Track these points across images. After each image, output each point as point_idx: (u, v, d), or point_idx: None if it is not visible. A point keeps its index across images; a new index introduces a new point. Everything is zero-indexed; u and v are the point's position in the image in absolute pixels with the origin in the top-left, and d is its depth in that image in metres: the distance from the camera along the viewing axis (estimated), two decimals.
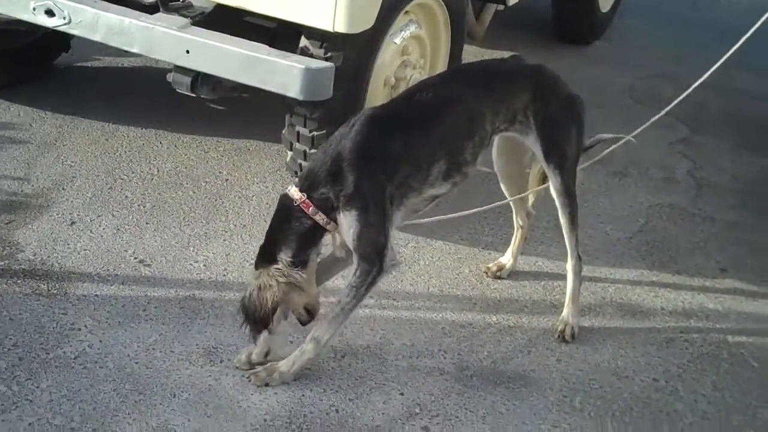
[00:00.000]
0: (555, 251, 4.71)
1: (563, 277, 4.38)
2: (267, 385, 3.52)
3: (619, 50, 7.95)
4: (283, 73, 3.96)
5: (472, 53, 6.51)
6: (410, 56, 4.69)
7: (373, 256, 3.46)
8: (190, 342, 3.73)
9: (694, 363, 4.03)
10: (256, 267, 3.47)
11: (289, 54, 4.08)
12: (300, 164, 4.45)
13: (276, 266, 3.39)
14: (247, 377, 3.55)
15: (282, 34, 4.47)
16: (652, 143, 6.16)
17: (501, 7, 6.03)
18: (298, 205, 3.40)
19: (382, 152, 3.45)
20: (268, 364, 3.58)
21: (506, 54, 7.28)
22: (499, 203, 4.36)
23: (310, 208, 3.38)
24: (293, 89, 3.96)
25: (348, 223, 3.41)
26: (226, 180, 4.97)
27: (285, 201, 3.46)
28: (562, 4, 7.43)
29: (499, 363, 3.85)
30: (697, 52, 7.56)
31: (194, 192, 4.81)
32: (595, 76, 7.16)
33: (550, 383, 3.77)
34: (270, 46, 4.23)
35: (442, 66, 4.98)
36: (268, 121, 5.34)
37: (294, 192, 3.42)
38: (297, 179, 3.52)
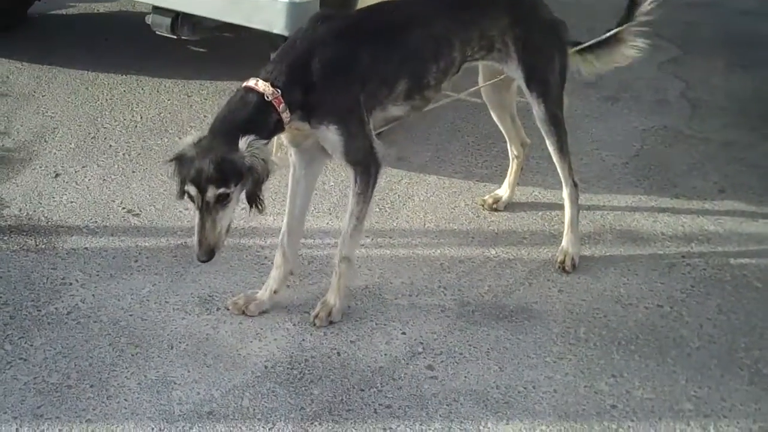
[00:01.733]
0: (551, 180, 4.62)
1: (561, 207, 4.31)
2: (332, 323, 3.51)
3: None
4: (266, 10, 3.85)
5: None
6: None
7: (367, 159, 3.42)
8: (184, 291, 3.65)
9: (698, 287, 3.96)
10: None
11: None
12: None
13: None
14: (312, 322, 3.51)
15: None
16: (643, 65, 6.01)
17: None
18: (269, 101, 3.24)
19: (353, 63, 3.35)
20: (320, 304, 3.54)
21: None
22: (467, 92, 4.26)
23: (281, 105, 3.25)
24: (278, 25, 3.85)
25: (331, 137, 3.34)
26: None
27: (248, 94, 3.27)
28: None
29: (500, 297, 3.78)
30: None
31: (180, 137, 4.68)
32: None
33: (554, 315, 3.71)
34: None
35: None
36: (251, 60, 5.19)
37: (263, 86, 3.25)
38: (262, 72, 3.35)
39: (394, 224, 4.19)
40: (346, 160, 3.37)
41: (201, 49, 5.49)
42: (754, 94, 5.83)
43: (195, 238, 3.16)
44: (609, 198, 4.56)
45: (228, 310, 3.55)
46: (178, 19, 4.12)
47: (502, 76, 3.94)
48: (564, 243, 4.02)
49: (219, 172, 3.10)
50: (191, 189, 3.13)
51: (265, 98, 3.22)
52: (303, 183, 3.60)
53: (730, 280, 4.03)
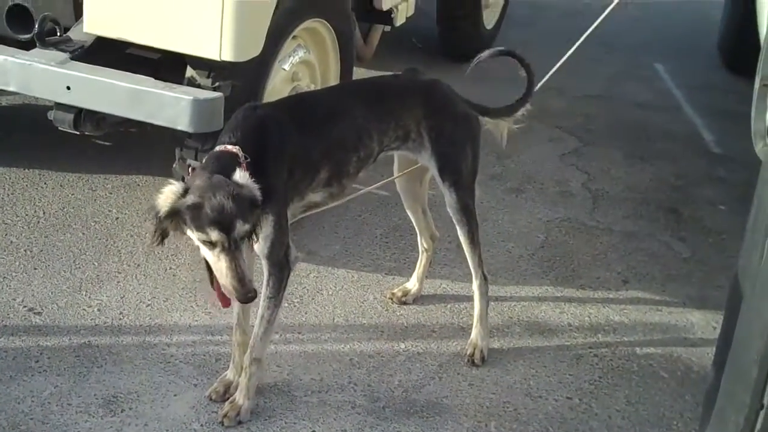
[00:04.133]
0: (459, 273, 4.65)
1: (469, 299, 4.35)
2: (240, 422, 3.45)
3: (503, 66, 7.94)
4: (170, 106, 3.81)
5: (362, 75, 6.44)
6: (300, 82, 4.59)
7: (283, 261, 3.40)
8: (87, 393, 3.55)
9: (606, 378, 4.00)
10: None
11: (175, 86, 3.94)
12: None
13: None
14: (219, 422, 3.44)
15: (166, 65, 4.32)
16: (544, 157, 6.20)
17: (388, 28, 6.00)
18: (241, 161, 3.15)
19: (283, 152, 3.33)
20: (228, 403, 3.48)
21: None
22: (381, 183, 4.30)
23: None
24: (182, 122, 3.82)
25: (266, 229, 3.27)
26: (117, 218, 4.79)
27: (223, 153, 3.19)
28: (447, 22, 7.41)
29: (410, 392, 3.76)
30: (585, 64, 7.63)
31: (84, 233, 4.62)
32: (485, 94, 7.13)
33: (464, 409, 3.70)
34: (155, 78, 4.09)
35: None
36: (157, 155, 5.18)
37: (235, 149, 3.17)
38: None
39: (303, 319, 4.16)
40: (267, 257, 3.34)
41: (105, 143, 5.43)
42: (652, 184, 5.97)
43: (230, 281, 2.99)
44: (516, 289, 4.59)
45: (211, 399, 3.55)
46: (81, 114, 4.06)
47: (417, 165, 3.98)
48: (473, 336, 4.04)
49: (239, 203, 2.99)
50: (213, 234, 2.97)
51: (239, 158, 3.15)
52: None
53: (637, 371, 4.07)
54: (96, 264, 4.38)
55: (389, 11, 5.46)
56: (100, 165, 5.26)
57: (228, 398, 3.54)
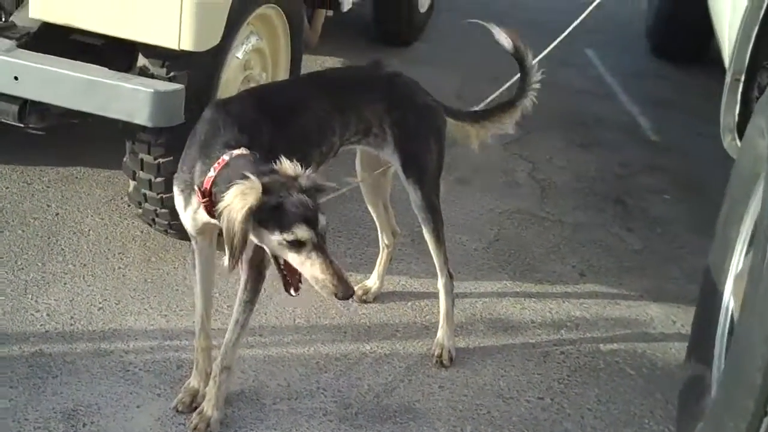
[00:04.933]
0: (416, 268, 4.55)
1: (430, 296, 4.27)
2: None
3: (439, 51, 7.88)
4: (128, 98, 3.59)
5: (306, 61, 6.26)
6: (253, 70, 4.40)
7: (261, 265, 3.22)
8: (45, 406, 3.33)
9: (574, 377, 3.94)
10: None
11: (132, 76, 3.73)
12: (145, 195, 4.09)
13: None
14: None
15: (111, 53, 4.09)
16: (488, 146, 6.07)
17: (330, 12, 5.83)
18: None
19: (262, 150, 3.09)
20: (196, 415, 3.30)
21: (336, 60, 7.14)
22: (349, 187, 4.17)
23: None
24: (141, 116, 3.60)
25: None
26: (57, 214, 4.54)
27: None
28: (381, 5, 7.26)
29: (382, 396, 3.64)
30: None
31: (23, 231, 4.36)
32: (421, 79, 7.02)
33: (437, 413, 3.59)
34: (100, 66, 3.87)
35: (283, 77, 4.71)
36: (93, 144, 4.95)
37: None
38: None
39: (263, 321, 3.99)
40: (248, 260, 3.17)
41: (37, 132, 5.13)
42: (596, 174, 5.95)
43: (331, 279, 2.85)
44: (475, 285, 4.50)
45: (177, 411, 3.38)
46: (26, 106, 3.80)
47: (389, 166, 3.84)
48: (439, 336, 3.93)
49: (313, 196, 2.87)
50: (303, 233, 2.80)
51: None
52: (209, 263, 3.39)
53: (604, 368, 4.02)
54: (40, 264, 4.14)
55: None
56: (32, 156, 4.99)
57: (195, 408, 3.36)
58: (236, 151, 2.99)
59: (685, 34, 8.09)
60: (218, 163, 2.97)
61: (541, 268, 4.75)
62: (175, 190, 3.20)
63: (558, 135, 6.47)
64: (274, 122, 3.20)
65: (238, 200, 2.78)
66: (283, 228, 2.80)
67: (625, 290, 4.64)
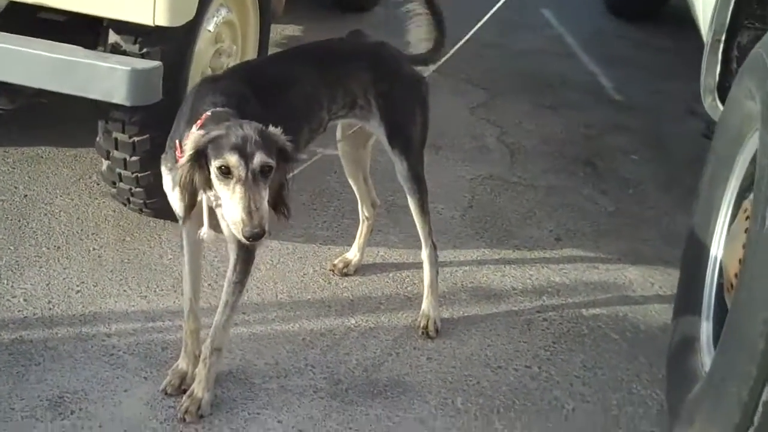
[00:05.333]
0: (394, 239, 4.52)
1: (410, 266, 4.26)
2: (202, 416, 3.22)
3: (396, 15, 7.74)
4: (105, 78, 3.49)
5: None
6: (223, 43, 4.31)
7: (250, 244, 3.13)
8: (30, 394, 3.25)
9: (559, 343, 3.94)
10: None
11: (107, 55, 3.62)
12: (120, 174, 4.00)
13: None
14: (180, 418, 3.20)
15: (73, 29, 3.98)
16: (455, 111, 6.09)
17: None
18: None
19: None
20: (186, 397, 3.24)
21: (297, 28, 7.05)
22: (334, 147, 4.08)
23: None
24: (119, 95, 3.50)
25: None
26: (25, 196, 4.44)
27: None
28: None
29: (370, 371, 3.61)
30: (472, 10, 7.51)
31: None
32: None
33: (427, 386, 3.57)
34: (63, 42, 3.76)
35: (252, 50, 4.64)
36: (56, 122, 4.83)
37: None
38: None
39: (246, 298, 3.90)
40: (237, 240, 3.10)
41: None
42: (565, 136, 5.94)
43: (239, 213, 2.73)
44: (454, 254, 4.48)
45: (166, 393, 3.33)
46: None
47: (357, 127, 3.78)
48: (424, 306, 3.90)
49: (264, 139, 2.77)
50: (232, 158, 2.72)
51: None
52: (198, 245, 3.30)
53: (587, 334, 4.03)
54: (12, 248, 4.04)
55: None
56: None
57: (185, 391, 3.31)
58: (219, 109, 2.94)
59: None
60: (200, 120, 2.92)
61: (518, 233, 4.74)
62: (163, 169, 3.12)
63: (523, 98, 6.45)
64: (262, 98, 3.13)
65: (189, 146, 2.79)
66: (217, 155, 2.76)
67: (602, 254, 4.65)
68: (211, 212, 3.06)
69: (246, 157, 2.74)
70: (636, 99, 6.67)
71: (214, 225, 3.03)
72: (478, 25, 4.65)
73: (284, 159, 2.90)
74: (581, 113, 6.29)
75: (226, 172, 2.75)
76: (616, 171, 5.56)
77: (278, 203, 2.95)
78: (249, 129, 2.78)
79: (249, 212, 2.72)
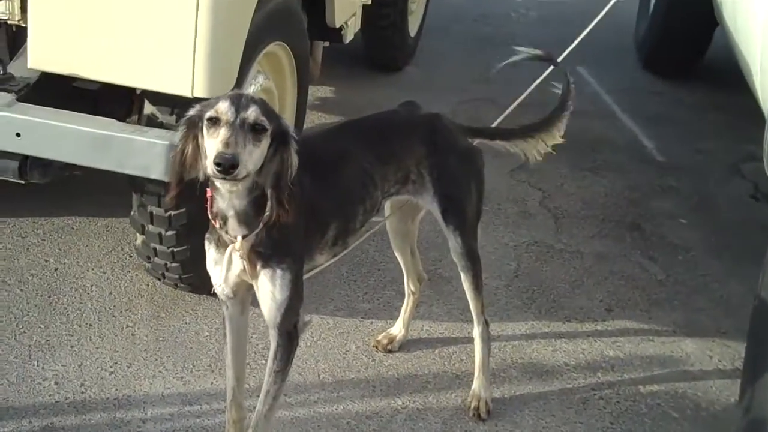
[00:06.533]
0: (438, 311, 4.33)
1: (457, 342, 4.08)
2: None
3: (429, 75, 7.66)
4: (142, 153, 3.33)
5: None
6: None
7: (292, 330, 2.99)
8: None
9: (618, 424, 3.73)
10: None
11: (144, 128, 3.46)
12: (155, 249, 3.84)
13: None
14: None
15: (106, 97, 3.84)
16: (494, 174, 5.87)
17: (327, 43, 5.62)
18: None
19: (301, 204, 2.87)
20: None
21: (331, 90, 6.92)
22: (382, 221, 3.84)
23: None
24: (157, 170, 3.33)
25: (275, 285, 2.87)
26: (56, 269, 4.28)
27: None
28: (373, 31, 7.02)
29: None
30: (504, 70, 7.36)
31: (22, 290, 4.10)
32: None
33: None
34: (95, 112, 3.62)
35: (290, 116, 4.50)
36: (86, 192, 4.68)
37: None
38: None
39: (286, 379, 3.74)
40: (279, 326, 2.93)
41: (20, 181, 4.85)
42: (607, 199, 5.75)
43: (216, 145, 2.54)
44: (502, 327, 4.28)
45: None
46: (27, 162, 3.53)
47: (406, 201, 3.61)
48: (475, 386, 3.70)
49: (263, 105, 2.65)
50: (222, 105, 2.59)
51: None
52: (241, 331, 3.16)
53: (646, 413, 3.82)
54: (42, 326, 3.88)
55: (340, 28, 5.06)
56: (20, 205, 4.71)
57: None
58: None
59: (676, 48, 7.95)
60: None
61: (567, 304, 4.54)
62: (207, 244, 2.95)
63: (563, 159, 6.24)
64: (316, 177, 2.95)
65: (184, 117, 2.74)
66: (210, 106, 2.62)
67: (655, 325, 4.44)
68: (249, 290, 2.93)
69: (238, 105, 2.59)
70: (679, 159, 6.47)
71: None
72: (530, 89, 4.47)
73: (284, 142, 2.71)
74: (623, 175, 6.10)
75: (214, 121, 2.59)
76: (664, 236, 5.36)
77: (277, 191, 2.71)
78: (248, 94, 2.66)
79: (226, 143, 2.54)
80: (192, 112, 2.70)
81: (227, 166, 2.51)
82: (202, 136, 2.66)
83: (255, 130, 2.60)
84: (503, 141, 3.74)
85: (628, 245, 5.19)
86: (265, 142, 2.65)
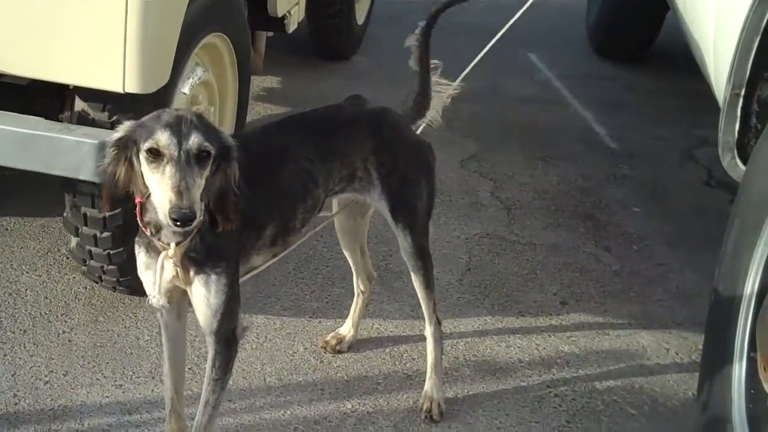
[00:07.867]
0: (389, 308, 4.21)
1: (408, 340, 3.96)
2: None
3: (379, 64, 7.51)
4: (70, 153, 3.15)
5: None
6: (200, 105, 4.00)
7: (230, 336, 2.85)
8: None
9: (574, 422, 3.62)
10: None
11: (73, 126, 3.29)
12: (90, 252, 3.67)
13: None
14: None
15: (37, 93, 3.66)
16: (445, 164, 5.76)
17: (271, 33, 5.46)
18: None
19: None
20: None
21: (275, 80, 6.76)
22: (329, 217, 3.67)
23: None
24: (87, 171, 3.16)
25: (210, 290, 2.73)
26: None
27: None
28: (319, 19, 6.87)
29: None
30: (454, 58, 7.24)
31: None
32: (366, 95, 6.67)
33: None
34: (29, 108, 3.45)
35: (231, 109, 4.34)
36: (18, 188, 4.50)
37: None
38: None
39: (231, 383, 3.53)
40: (216, 332, 2.78)
41: None
42: (560, 188, 5.65)
43: (167, 192, 2.40)
44: (454, 323, 4.16)
45: None
46: None
47: (352, 201, 3.47)
48: (427, 387, 3.58)
49: (203, 124, 2.49)
50: (162, 136, 2.42)
51: None
52: (178, 338, 3.02)
53: (603, 410, 3.72)
54: None
55: (282, 17, 4.90)
56: None
57: None
58: None
59: (628, 33, 7.90)
60: None
61: (521, 298, 4.43)
62: (137, 249, 2.79)
63: (515, 148, 6.16)
64: (249, 179, 2.79)
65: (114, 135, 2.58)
66: (149, 135, 2.45)
67: (611, 318, 4.35)
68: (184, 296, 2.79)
69: (179, 135, 2.43)
70: (632, 146, 6.39)
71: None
72: (464, 73, 4.33)
73: (226, 158, 2.58)
74: (576, 163, 6.01)
75: (156, 154, 2.44)
76: (618, 225, 5.27)
77: (221, 210, 2.60)
78: (185, 112, 2.51)
79: (178, 191, 2.39)
80: (122, 133, 2.53)
81: (186, 221, 2.39)
82: (139, 162, 2.50)
83: (200, 158, 2.46)
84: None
85: (582, 236, 5.10)
86: (210, 165, 2.52)
